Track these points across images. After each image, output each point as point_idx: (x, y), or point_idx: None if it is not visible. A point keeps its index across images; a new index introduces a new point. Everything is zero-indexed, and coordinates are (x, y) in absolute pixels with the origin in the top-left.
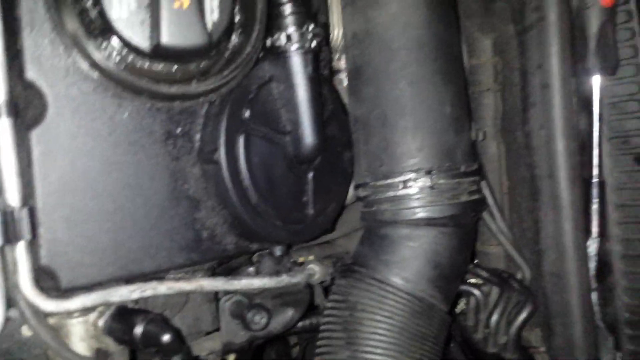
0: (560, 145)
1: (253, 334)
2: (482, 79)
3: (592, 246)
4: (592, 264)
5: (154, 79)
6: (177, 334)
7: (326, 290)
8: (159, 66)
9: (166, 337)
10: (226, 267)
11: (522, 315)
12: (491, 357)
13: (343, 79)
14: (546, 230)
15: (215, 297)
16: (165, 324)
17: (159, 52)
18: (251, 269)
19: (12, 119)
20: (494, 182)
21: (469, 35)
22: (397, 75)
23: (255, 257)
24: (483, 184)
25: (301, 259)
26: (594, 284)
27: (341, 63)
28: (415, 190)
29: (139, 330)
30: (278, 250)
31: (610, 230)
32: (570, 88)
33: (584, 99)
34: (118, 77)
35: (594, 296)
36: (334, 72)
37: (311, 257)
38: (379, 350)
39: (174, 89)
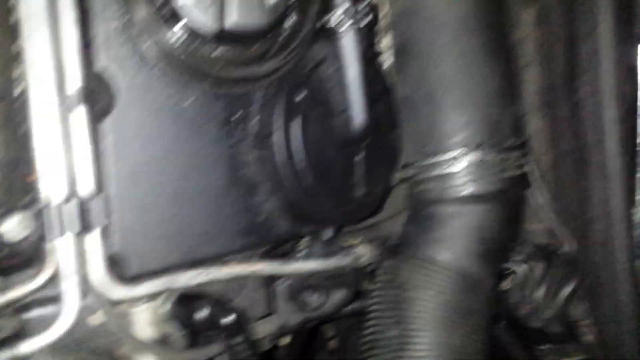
0: (610, 114)
1: (308, 315)
2: (524, 52)
3: (637, 214)
4: (637, 232)
5: (217, 64)
6: (238, 315)
7: (371, 275)
8: (222, 50)
9: (229, 319)
10: (275, 253)
11: (568, 289)
12: (537, 331)
13: (387, 59)
14: (594, 199)
15: (268, 282)
16: (227, 306)
17: (223, 36)
18: (302, 253)
19: (87, 107)
20: (537, 157)
21: (510, 9)
22: (443, 51)
23: (304, 243)
24: (529, 157)
25: (349, 242)
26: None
27: (384, 43)
28: (462, 167)
29: (203, 314)
30: (328, 233)
31: None
32: (620, 55)
33: (629, 66)
34: (184, 63)
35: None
36: (377, 52)
37: (357, 241)
38: (428, 328)
39: (236, 73)
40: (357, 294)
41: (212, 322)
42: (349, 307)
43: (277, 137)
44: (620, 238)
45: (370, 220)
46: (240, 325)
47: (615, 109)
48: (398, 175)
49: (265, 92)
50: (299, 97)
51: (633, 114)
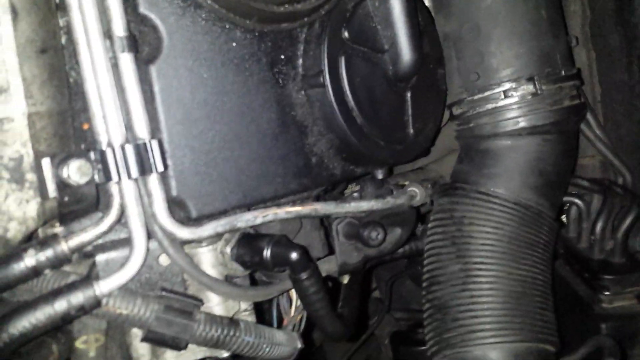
0: None
1: (366, 252)
2: None
3: None
4: None
5: (262, 1)
6: (304, 250)
7: (422, 218)
8: None
9: (294, 255)
10: (327, 196)
11: (628, 219)
12: (598, 263)
13: None
14: None
15: (322, 224)
16: (291, 243)
17: None
18: (355, 195)
19: (133, 54)
20: (586, 91)
21: None
22: None
23: (350, 186)
24: (581, 90)
25: (400, 183)
26: None
27: None
28: (515, 99)
29: (267, 252)
30: (380, 174)
31: None
32: None
33: None
34: (229, 0)
35: None
36: None
37: (408, 182)
38: (491, 260)
39: (282, 9)
40: (411, 236)
41: (279, 258)
42: (404, 249)
43: (326, 76)
44: None
45: (419, 163)
46: (307, 259)
47: None
48: (445, 115)
49: (311, 30)
50: (344, 35)
51: None
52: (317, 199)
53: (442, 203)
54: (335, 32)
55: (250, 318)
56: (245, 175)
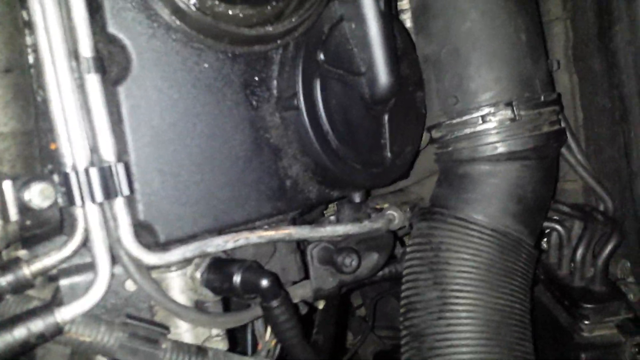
0: None
1: (342, 278)
2: (550, 8)
3: None
4: None
5: (233, 23)
6: (275, 278)
7: (402, 241)
8: (237, 9)
9: (265, 282)
10: (303, 219)
11: (609, 247)
12: (578, 290)
13: (407, 20)
14: (638, 150)
15: (298, 248)
16: (262, 269)
17: None
18: (332, 218)
19: (99, 75)
20: (568, 115)
21: None
22: (467, 6)
23: (331, 207)
24: (561, 114)
25: (378, 206)
26: None
27: (404, 2)
28: (494, 124)
29: (237, 278)
30: (357, 197)
31: None
32: None
33: None
34: (199, 23)
35: None
36: (398, 12)
37: (386, 205)
38: (468, 288)
39: (253, 32)
40: (390, 259)
41: (249, 285)
42: (383, 272)
43: (300, 98)
44: None
45: (399, 185)
46: (276, 288)
47: None
48: (425, 137)
49: (285, 52)
50: (320, 57)
51: None
52: (294, 222)
53: (421, 227)
54: (310, 54)
55: (222, 344)
56: (216, 199)
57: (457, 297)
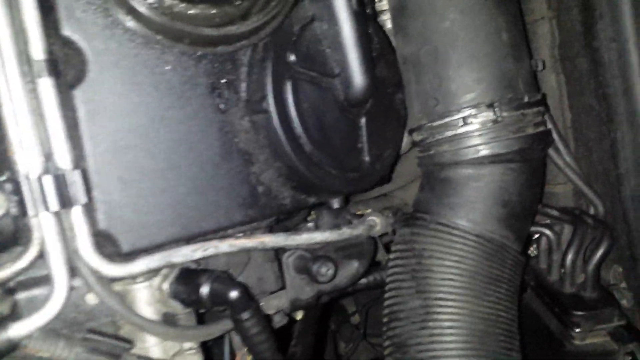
0: (635, 57)
1: (319, 288)
2: (534, 7)
3: None
4: None
5: (193, 23)
6: (244, 289)
7: (387, 247)
8: (198, 8)
9: (234, 294)
10: (283, 226)
11: (600, 251)
12: (569, 297)
13: (386, 21)
14: (625, 152)
15: (276, 256)
16: (232, 280)
17: None
18: (310, 225)
19: (53, 79)
20: (555, 116)
21: None
22: (445, 5)
23: (313, 213)
24: (548, 115)
25: (359, 212)
26: None
27: (383, 3)
28: (476, 127)
29: (205, 289)
30: (336, 203)
31: None
32: None
33: None
34: (157, 23)
35: None
36: (376, 13)
37: (369, 210)
38: (452, 297)
39: (215, 32)
40: (375, 266)
41: (218, 297)
42: (370, 279)
43: (270, 101)
44: None
45: (382, 189)
46: (248, 298)
47: None
48: (407, 142)
49: (253, 53)
50: (290, 58)
51: None
52: (271, 229)
53: (403, 234)
54: (280, 56)
55: (196, 357)
56: (182, 207)
57: (441, 306)
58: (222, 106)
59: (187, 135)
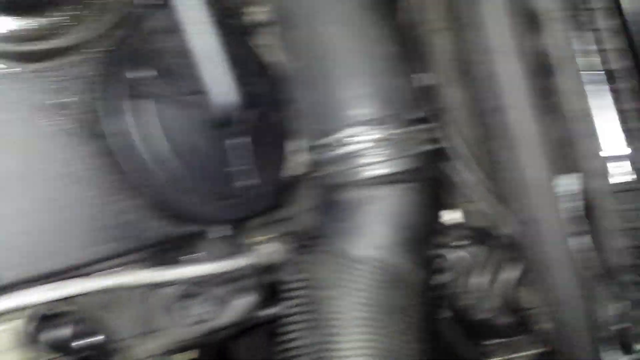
0: (501, 69)
1: (207, 326)
2: (430, 17)
3: (576, 183)
4: (579, 204)
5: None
6: (111, 333)
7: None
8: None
9: (99, 338)
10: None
11: (513, 275)
12: (483, 324)
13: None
14: (513, 172)
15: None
16: (98, 324)
17: None
18: (201, 254)
19: None
20: (464, 131)
21: None
22: (321, 18)
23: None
24: (448, 132)
25: (258, 239)
26: (584, 227)
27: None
28: (363, 145)
29: (68, 332)
30: (218, 232)
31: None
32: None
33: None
34: None
35: (584, 240)
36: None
37: (269, 236)
38: (348, 331)
39: (31, 47)
40: (272, 299)
41: (81, 343)
42: (272, 310)
43: (106, 124)
44: (541, 214)
45: (283, 213)
46: (116, 342)
47: (506, 63)
48: (305, 160)
49: (85, 68)
50: (135, 74)
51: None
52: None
53: (300, 262)
54: (116, 73)
55: None
56: (29, 244)
57: (339, 342)
58: (59, 129)
59: (24, 164)
